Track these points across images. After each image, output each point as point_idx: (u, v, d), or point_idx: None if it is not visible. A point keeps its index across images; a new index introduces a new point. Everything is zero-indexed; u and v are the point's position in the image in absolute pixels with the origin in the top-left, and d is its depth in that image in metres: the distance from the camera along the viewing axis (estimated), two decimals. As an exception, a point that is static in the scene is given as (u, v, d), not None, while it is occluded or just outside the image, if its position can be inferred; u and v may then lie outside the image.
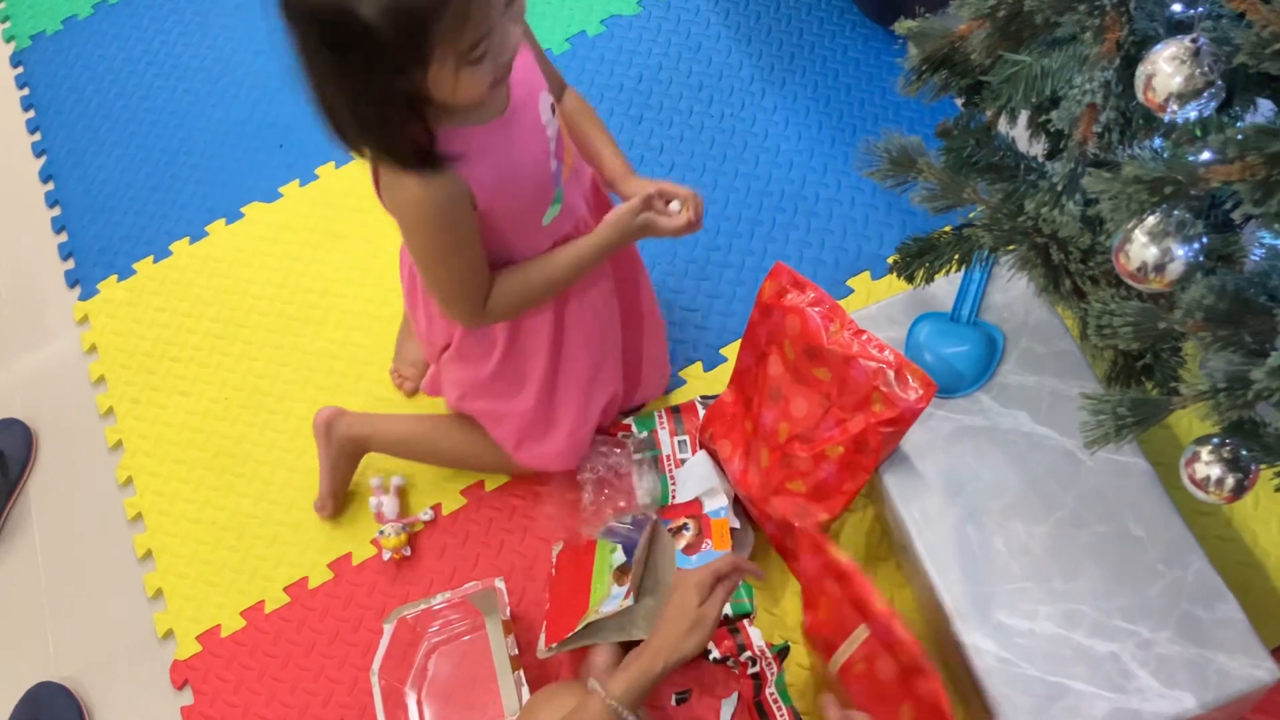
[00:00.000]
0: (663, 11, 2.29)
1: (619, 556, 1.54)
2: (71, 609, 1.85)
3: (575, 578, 1.59)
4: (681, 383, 1.82)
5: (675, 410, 1.75)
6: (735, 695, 1.51)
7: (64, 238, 2.29)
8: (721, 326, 1.87)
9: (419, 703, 1.59)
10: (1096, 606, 1.29)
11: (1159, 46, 0.92)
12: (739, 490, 1.58)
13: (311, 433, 1.85)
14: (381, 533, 1.72)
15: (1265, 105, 1.04)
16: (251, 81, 2.41)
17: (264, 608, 1.75)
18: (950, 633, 1.32)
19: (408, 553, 1.74)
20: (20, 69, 2.60)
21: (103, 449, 1.99)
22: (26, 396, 2.09)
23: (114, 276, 2.19)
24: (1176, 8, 1.03)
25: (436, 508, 1.78)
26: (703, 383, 1.82)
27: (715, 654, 1.50)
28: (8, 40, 2.67)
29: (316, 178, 2.22)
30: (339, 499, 1.79)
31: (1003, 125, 1.30)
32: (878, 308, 1.56)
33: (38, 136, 2.46)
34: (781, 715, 1.45)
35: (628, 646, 1.49)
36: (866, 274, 1.87)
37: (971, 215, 1.29)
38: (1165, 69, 0.90)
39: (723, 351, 1.84)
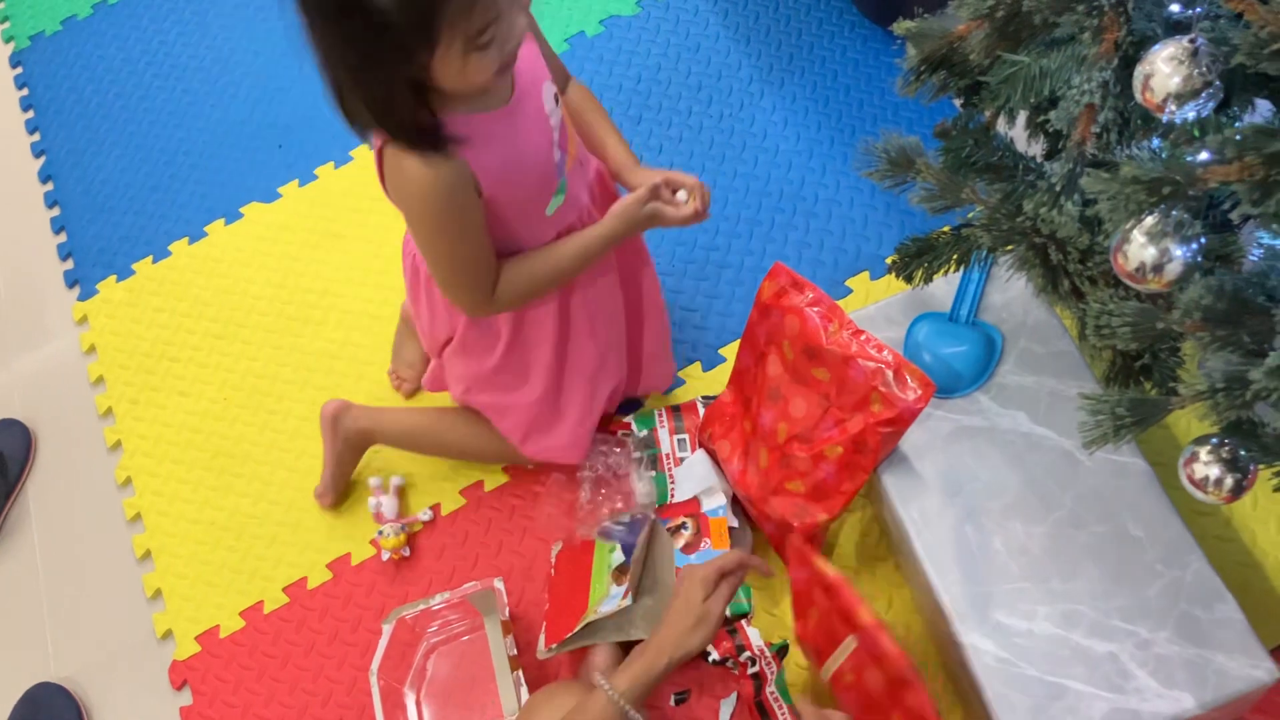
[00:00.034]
0: (661, 12, 2.29)
1: (617, 556, 1.54)
2: (70, 609, 1.85)
3: (574, 578, 1.59)
4: (681, 383, 1.82)
5: (675, 409, 1.75)
6: (734, 695, 1.51)
7: (63, 238, 2.29)
8: (720, 327, 1.87)
9: (418, 703, 1.59)
10: (1095, 607, 1.29)
11: (1157, 47, 0.92)
12: (738, 490, 1.58)
13: (311, 432, 1.86)
14: (380, 533, 1.73)
15: (1263, 105, 1.05)
16: (250, 82, 2.42)
17: (263, 608, 1.75)
18: (949, 633, 1.32)
19: (406, 553, 1.74)
20: (19, 69, 2.60)
21: (102, 449, 1.99)
22: (25, 397, 2.09)
23: (113, 277, 2.19)
24: (1174, 8, 1.03)
25: (435, 508, 1.78)
26: (702, 383, 1.82)
27: (714, 656, 1.50)
28: (7, 40, 2.68)
29: (315, 178, 2.22)
30: (340, 490, 1.80)
31: (1001, 125, 1.30)
32: (876, 308, 1.56)
33: (37, 137, 2.46)
34: (782, 713, 1.45)
35: (627, 647, 1.49)
36: (865, 274, 1.87)
37: (970, 215, 1.29)
38: (1163, 69, 0.90)
39: (722, 351, 1.84)
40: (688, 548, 1.55)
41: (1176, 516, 1.32)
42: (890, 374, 1.35)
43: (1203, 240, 0.95)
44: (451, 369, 1.65)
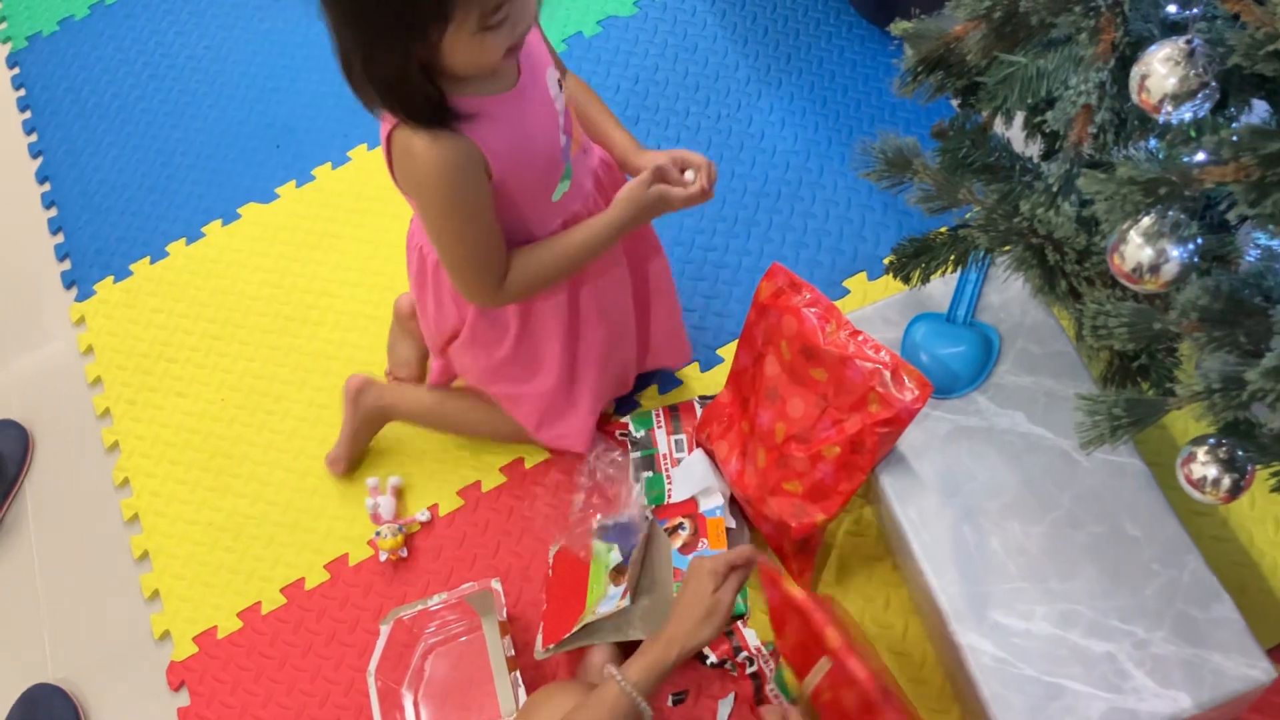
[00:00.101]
0: (659, 12, 2.29)
1: (615, 557, 1.54)
2: (68, 610, 1.85)
3: (572, 578, 1.59)
4: (678, 383, 1.83)
5: (673, 410, 1.75)
6: (732, 695, 1.51)
7: (60, 239, 2.29)
8: (718, 327, 1.87)
9: (416, 704, 1.59)
10: (1093, 606, 1.29)
11: (1154, 48, 0.92)
12: (736, 490, 1.58)
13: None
14: (378, 534, 1.73)
15: (1260, 106, 1.05)
16: (248, 82, 2.41)
17: (260, 609, 1.75)
18: (946, 633, 1.32)
19: (404, 554, 1.74)
20: (16, 70, 2.60)
21: (99, 450, 1.99)
22: (23, 397, 2.09)
23: (110, 278, 2.19)
24: (1171, 9, 1.03)
25: (433, 509, 1.78)
26: (700, 383, 1.82)
27: (712, 658, 1.50)
28: (4, 41, 2.67)
29: (313, 179, 2.22)
30: (353, 461, 1.83)
31: (998, 126, 1.30)
32: (874, 308, 1.56)
33: (34, 137, 2.46)
34: (783, 706, 1.45)
35: (624, 647, 1.49)
36: (863, 274, 1.88)
37: (967, 216, 1.29)
38: (1160, 70, 0.90)
39: (720, 352, 1.84)
40: (685, 548, 1.55)
41: (1174, 516, 1.32)
42: (888, 374, 1.35)
43: (1199, 241, 0.95)
44: (460, 361, 1.66)
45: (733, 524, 1.58)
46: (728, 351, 1.83)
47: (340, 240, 2.12)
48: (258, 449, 1.91)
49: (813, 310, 1.43)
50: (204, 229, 2.21)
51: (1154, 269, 0.95)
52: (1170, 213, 0.94)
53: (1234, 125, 1.01)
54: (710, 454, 1.64)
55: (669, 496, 1.63)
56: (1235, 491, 1.02)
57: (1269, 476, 1.08)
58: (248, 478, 1.88)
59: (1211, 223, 1.12)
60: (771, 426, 1.49)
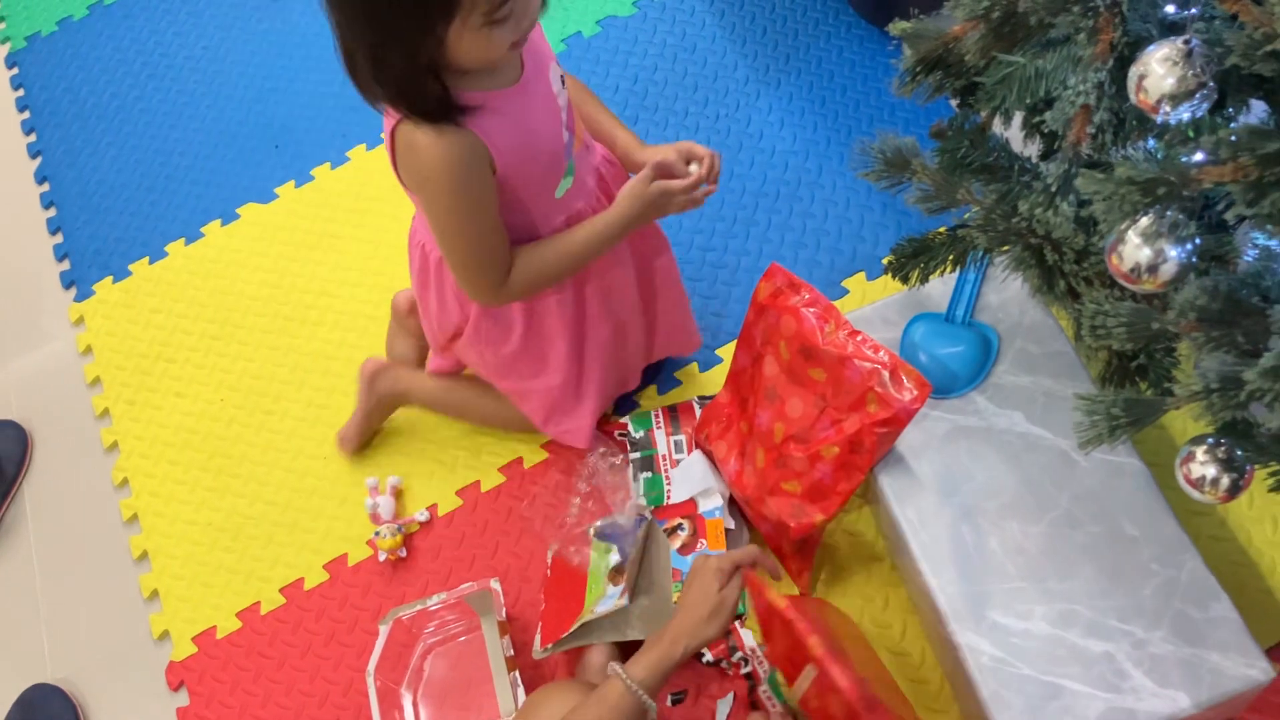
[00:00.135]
0: (658, 12, 2.29)
1: (614, 557, 1.54)
2: (67, 610, 1.84)
3: (570, 578, 1.59)
4: (678, 383, 1.83)
5: (672, 410, 1.75)
6: (730, 695, 1.51)
7: (59, 239, 2.28)
8: (717, 327, 1.87)
9: (415, 704, 1.59)
10: (1091, 606, 1.29)
11: (1152, 48, 0.92)
12: (735, 491, 1.58)
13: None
14: (377, 534, 1.73)
15: (1258, 106, 1.05)
16: (247, 82, 2.41)
17: (260, 609, 1.75)
18: (945, 633, 1.32)
19: (403, 554, 1.74)
20: (15, 70, 2.60)
21: (98, 450, 1.99)
22: (22, 398, 2.09)
23: (109, 278, 2.19)
24: (1169, 9, 1.03)
25: (432, 509, 1.78)
26: (699, 383, 1.82)
27: (708, 657, 1.50)
28: (3, 41, 2.67)
29: (312, 179, 2.22)
30: (363, 441, 1.84)
31: (997, 126, 1.30)
32: (873, 308, 1.56)
33: (33, 138, 2.46)
34: (775, 710, 1.45)
35: (623, 647, 1.50)
36: (862, 275, 1.88)
37: (966, 216, 1.30)
38: (1157, 70, 0.90)
39: (718, 352, 1.84)
40: (684, 549, 1.55)
41: (1172, 516, 1.33)
42: (886, 374, 1.35)
43: (1197, 241, 0.95)
44: (466, 356, 1.67)
45: (732, 525, 1.58)
46: (726, 352, 1.83)
47: (339, 240, 2.12)
48: (257, 449, 1.91)
49: (811, 310, 1.43)
50: (203, 229, 2.21)
51: (1152, 269, 0.96)
52: (1168, 213, 0.94)
53: (1232, 125, 1.01)
54: (709, 454, 1.64)
55: (668, 497, 1.63)
56: (1234, 491, 1.02)
57: (1267, 476, 1.08)
58: (247, 478, 1.88)
59: (1209, 223, 1.12)
60: (770, 426, 1.49)
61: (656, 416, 1.74)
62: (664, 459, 1.68)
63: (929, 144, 1.35)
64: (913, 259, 1.49)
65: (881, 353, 1.37)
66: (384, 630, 1.55)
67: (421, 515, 1.77)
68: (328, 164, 2.23)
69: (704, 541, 1.55)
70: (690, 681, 1.54)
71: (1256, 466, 1.04)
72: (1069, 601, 1.30)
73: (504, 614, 1.57)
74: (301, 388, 1.96)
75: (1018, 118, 1.28)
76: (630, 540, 1.55)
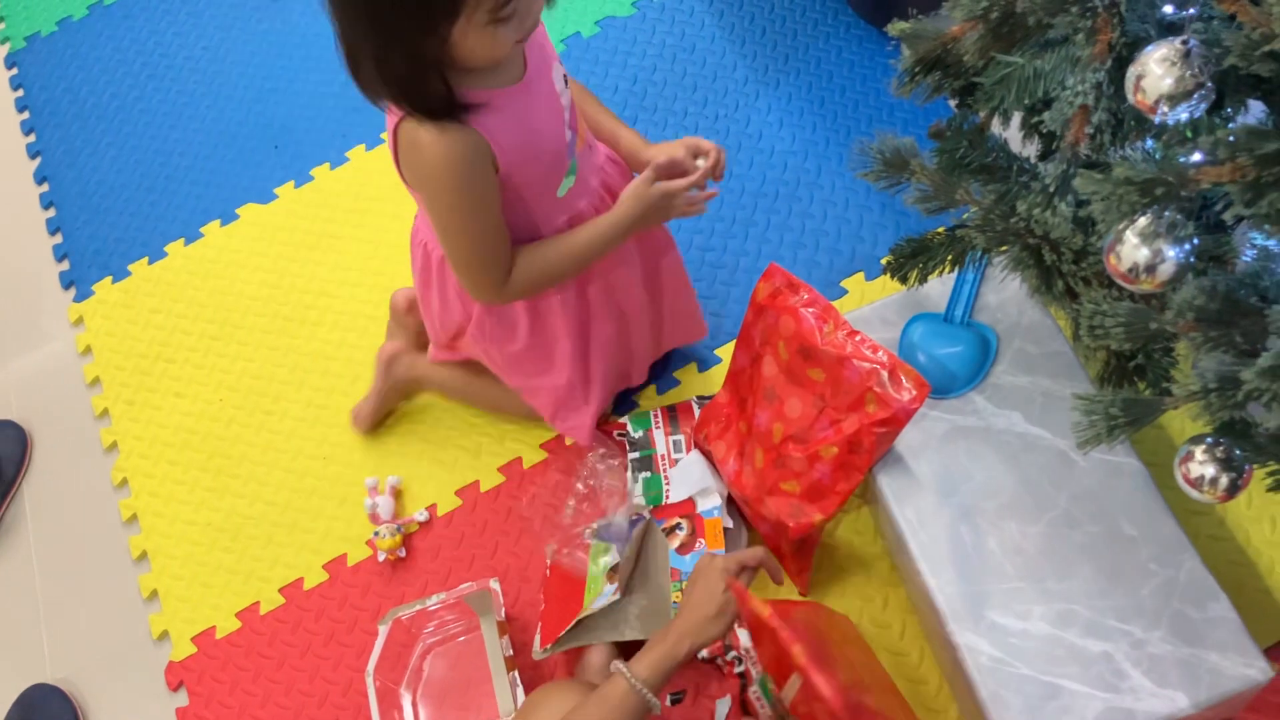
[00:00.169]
0: (657, 13, 2.29)
1: (612, 557, 1.54)
2: (66, 611, 1.85)
3: (570, 578, 1.59)
4: (676, 383, 1.83)
5: (671, 410, 1.75)
6: (729, 696, 1.51)
7: (59, 239, 2.28)
8: (716, 327, 1.87)
9: (414, 704, 1.59)
10: (1090, 606, 1.29)
11: (1149, 48, 0.92)
12: (734, 491, 1.58)
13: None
14: (376, 534, 1.73)
15: (1256, 106, 1.05)
16: (246, 82, 2.42)
17: (259, 609, 1.75)
18: (944, 632, 1.32)
19: (403, 554, 1.74)
20: (15, 70, 2.60)
21: (98, 450, 1.99)
22: (21, 398, 2.09)
23: (109, 278, 2.19)
24: (1168, 9, 1.03)
25: (431, 509, 1.78)
26: (698, 383, 1.82)
27: (703, 653, 1.50)
28: (2, 41, 2.67)
29: (311, 179, 2.22)
30: (377, 421, 1.86)
31: (995, 126, 1.30)
32: (871, 308, 1.56)
33: (32, 138, 2.46)
34: (764, 711, 1.45)
35: (622, 647, 1.50)
36: (860, 275, 1.88)
37: (964, 216, 1.30)
38: (1155, 70, 0.91)
39: (718, 352, 1.85)
40: (683, 548, 1.55)
41: (1170, 516, 1.33)
42: (885, 374, 1.35)
43: (1195, 241, 0.95)
44: (472, 352, 1.68)
45: (730, 524, 1.58)
46: (725, 352, 1.83)
47: (339, 241, 2.12)
48: (256, 449, 1.91)
49: (810, 310, 1.43)
50: (202, 229, 2.21)
51: (1150, 269, 0.96)
52: (1166, 213, 0.95)
53: (1230, 126, 1.01)
54: (708, 454, 1.64)
55: (667, 497, 1.63)
56: (1233, 490, 1.03)
57: (1265, 476, 1.08)
58: (246, 478, 1.88)
59: (1208, 223, 1.12)
60: (769, 427, 1.49)
61: (655, 416, 1.74)
62: (663, 459, 1.68)
63: (928, 144, 1.35)
64: (911, 259, 1.49)
65: (880, 353, 1.37)
66: (383, 630, 1.55)
67: (421, 515, 1.77)
68: (327, 164, 2.23)
69: (702, 541, 1.55)
70: (689, 681, 1.54)
71: (1255, 466, 1.04)
72: (1067, 601, 1.30)
73: (503, 614, 1.57)
74: (301, 388, 1.96)
75: (1016, 118, 1.28)
76: (627, 539, 1.55)
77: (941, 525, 1.38)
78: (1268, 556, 1.50)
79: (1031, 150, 1.33)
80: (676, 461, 1.67)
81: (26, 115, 2.50)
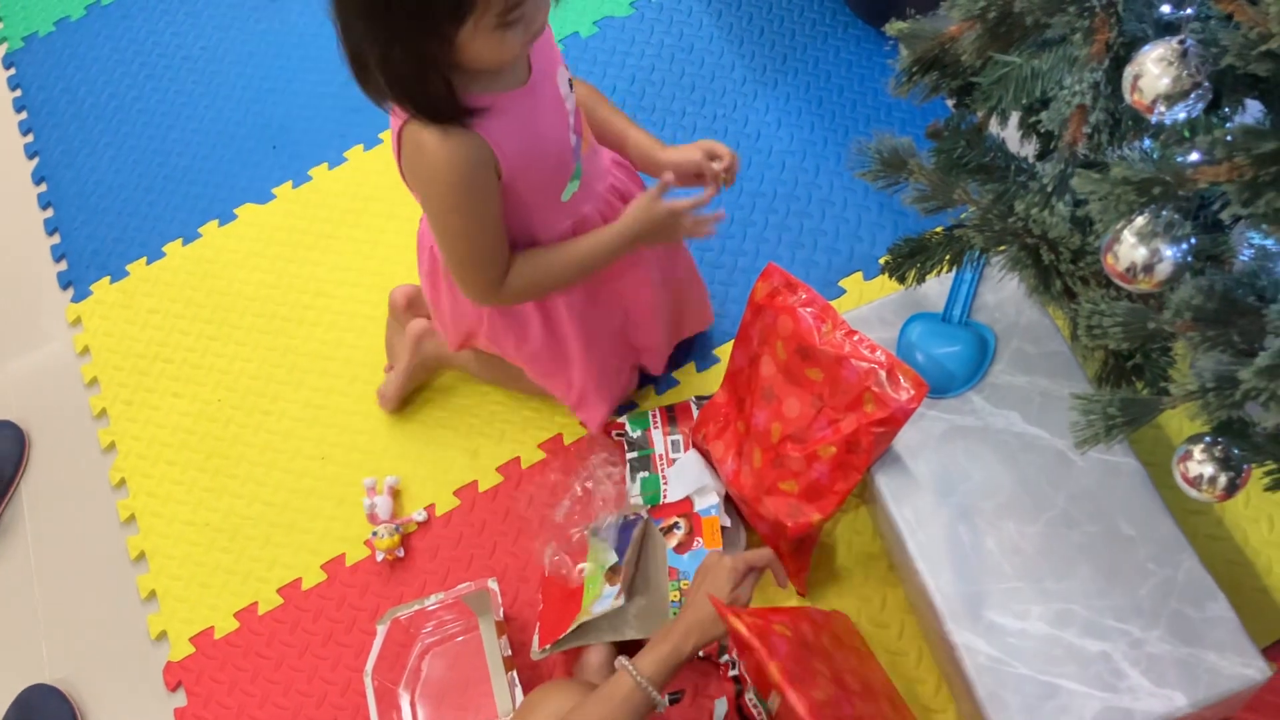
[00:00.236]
0: (655, 13, 2.29)
1: (611, 557, 1.54)
2: (64, 611, 1.84)
3: (569, 580, 1.59)
4: (675, 383, 1.83)
5: (669, 410, 1.75)
6: (727, 696, 1.51)
7: (56, 239, 2.28)
8: (715, 327, 1.87)
9: (412, 704, 1.59)
10: (1088, 606, 1.29)
11: (1146, 48, 0.92)
12: (732, 490, 1.58)
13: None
14: (375, 534, 1.73)
15: (1254, 106, 1.05)
16: (245, 83, 2.41)
17: (257, 609, 1.75)
18: (942, 632, 1.32)
19: (401, 554, 1.74)
20: (13, 70, 2.60)
21: (96, 451, 1.99)
22: (19, 398, 2.09)
23: (107, 278, 2.19)
24: (1165, 9, 1.03)
25: (430, 509, 1.78)
26: (696, 383, 1.82)
27: (699, 652, 1.50)
28: (0, 41, 2.67)
29: (309, 179, 2.22)
30: (404, 399, 1.87)
31: (993, 126, 1.30)
32: (870, 308, 1.56)
33: (30, 138, 2.46)
34: (761, 717, 1.45)
35: (621, 647, 1.49)
36: (859, 274, 1.88)
37: (962, 216, 1.30)
38: (1152, 70, 0.91)
39: (716, 352, 1.85)
40: (680, 547, 1.55)
41: (1168, 516, 1.33)
42: (883, 374, 1.35)
43: (1193, 240, 0.95)
44: (490, 349, 1.68)
45: (728, 522, 1.58)
46: (724, 352, 1.83)
47: (337, 241, 2.12)
48: (254, 449, 1.91)
49: (808, 310, 1.43)
50: (200, 229, 2.21)
51: (1148, 269, 0.96)
52: (1164, 212, 0.95)
53: (1228, 125, 1.01)
54: (706, 454, 1.64)
55: (665, 496, 1.63)
56: (1231, 490, 1.03)
57: (1263, 475, 1.08)
58: (244, 478, 1.88)
59: (1205, 222, 1.12)
60: (767, 426, 1.49)
61: (654, 416, 1.74)
62: (661, 459, 1.68)
63: (925, 144, 1.35)
64: (909, 259, 1.49)
65: (878, 352, 1.37)
66: (381, 630, 1.55)
67: (419, 515, 1.77)
68: (325, 164, 2.23)
69: (700, 540, 1.55)
70: (688, 681, 1.54)
71: (1253, 465, 1.04)
72: (1066, 601, 1.30)
73: (501, 614, 1.57)
74: (299, 388, 1.96)
75: (1014, 118, 1.28)
76: (627, 540, 1.55)
77: (940, 525, 1.38)
78: (1266, 556, 1.50)
79: (1029, 150, 1.33)
80: (674, 461, 1.67)
81: (24, 115, 2.50)
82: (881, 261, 1.56)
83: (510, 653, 1.54)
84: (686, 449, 1.68)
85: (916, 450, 1.43)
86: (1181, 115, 0.92)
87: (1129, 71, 0.93)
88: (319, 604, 1.74)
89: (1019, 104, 1.17)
